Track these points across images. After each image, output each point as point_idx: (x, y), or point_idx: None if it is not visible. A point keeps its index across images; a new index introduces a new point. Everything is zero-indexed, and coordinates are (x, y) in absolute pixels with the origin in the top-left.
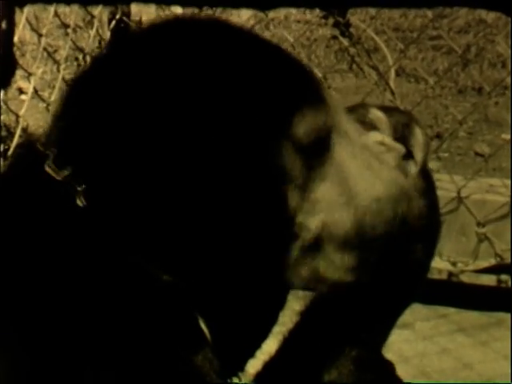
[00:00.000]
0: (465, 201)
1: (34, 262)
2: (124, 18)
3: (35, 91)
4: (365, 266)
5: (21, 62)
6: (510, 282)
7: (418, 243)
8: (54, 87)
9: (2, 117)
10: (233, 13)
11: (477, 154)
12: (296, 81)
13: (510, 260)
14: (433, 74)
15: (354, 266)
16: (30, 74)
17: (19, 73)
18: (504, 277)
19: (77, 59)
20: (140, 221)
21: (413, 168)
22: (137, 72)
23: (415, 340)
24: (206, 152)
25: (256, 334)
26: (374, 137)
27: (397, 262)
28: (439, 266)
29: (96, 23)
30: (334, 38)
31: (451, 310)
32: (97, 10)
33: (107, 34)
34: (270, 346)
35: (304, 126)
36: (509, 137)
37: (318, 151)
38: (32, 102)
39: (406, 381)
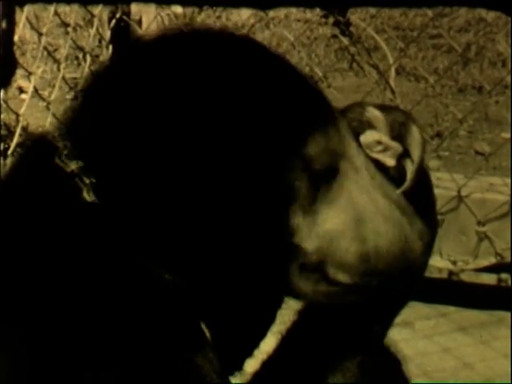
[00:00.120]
0: (465, 200)
1: (35, 260)
2: (124, 17)
3: (35, 90)
4: (365, 289)
5: (21, 61)
6: (510, 281)
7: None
8: (54, 86)
9: (2, 116)
10: (233, 12)
11: (477, 152)
12: (310, 103)
13: (510, 259)
14: (433, 73)
15: (355, 288)
16: (30, 73)
17: (19, 72)
18: (504, 276)
19: (77, 58)
20: (147, 220)
21: (410, 166)
22: (152, 84)
23: (415, 339)
24: (217, 162)
25: (254, 334)
26: (371, 135)
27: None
28: (439, 264)
29: (96, 22)
30: (334, 36)
31: (451, 309)
32: (97, 9)
33: (107, 33)
34: (268, 346)
35: (315, 149)
36: (509, 135)
37: (326, 176)
38: (32, 101)
39: None
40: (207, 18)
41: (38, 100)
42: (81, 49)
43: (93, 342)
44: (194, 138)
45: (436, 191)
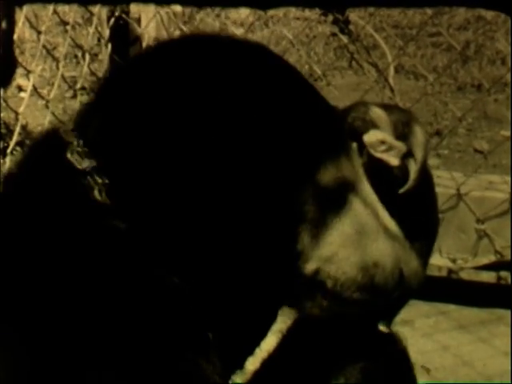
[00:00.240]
0: (464, 197)
1: (41, 258)
2: (123, 16)
3: (34, 89)
4: (363, 304)
5: (20, 59)
6: (509, 279)
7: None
8: (53, 85)
9: (2, 114)
10: (232, 10)
11: (476, 150)
12: (327, 128)
13: (509, 257)
14: (432, 71)
15: (352, 304)
16: (29, 72)
17: (18, 70)
18: (504, 273)
19: (76, 57)
20: (159, 225)
21: (413, 166)
22: (167, 90)
23: (415, 337)
24: (232, 178)
25: (255, 332)
26: (375, 135)
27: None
28: (439, 262)
29: (95, 21)
30: (334, 35)
31: (451, 307)
32: (96, 8)
33: (106, 32)
34: (268, 344)
35: (327, 177)
36: (508, 133)
37: (334, 203)
38: (31, 100)
39: None
40: (206, 16)
41: (37, 98)
42: (80, 47)
43: (98, 342)
44: (209, 151)
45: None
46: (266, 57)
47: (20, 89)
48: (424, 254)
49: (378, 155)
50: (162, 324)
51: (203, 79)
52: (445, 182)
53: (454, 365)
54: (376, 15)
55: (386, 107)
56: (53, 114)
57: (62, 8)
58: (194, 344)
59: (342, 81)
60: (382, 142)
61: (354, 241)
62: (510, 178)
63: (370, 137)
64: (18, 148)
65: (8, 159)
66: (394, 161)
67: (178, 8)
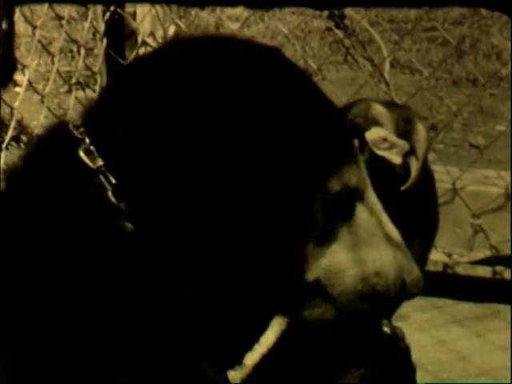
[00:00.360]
0: (460, 192)
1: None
2: (118, 10)
3: (29, 83)
4: (363, 312)
5: (15, 54)
6: (504, 274)
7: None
8: (48, 79)
9: None
10: None
11: (472, 145)
12: (338, 137)
13: (505, 251)
14: (427, 66)
15: (353, 312)
16: (24, 67)
17: None
18: (499, 268)
19: (71, 51)
20: (171, 230)
21: (414, 163)
22: (180, 91)
23: (410, 332)
24: (244, 184)
25: (254, 328)
26: (377, 132)
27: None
28: (434, 257)
29: (90, 15)
30: (329, 29)
31: (447, 302)
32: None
33: (101, 26)
34: (268, 340)
35: (337, 186)
36: (504, 128)
37: (343, 211)
38: (26, 95)
39: None
40: (201, 10)
41: (32, 93)
42: (75, 42)
43: (102, 343)
44: (221, 157)
45: None
46: (278, 62)
47: (15, 83)
48: (424, 251)
49: (381, 153)
50: (167, 326)
51: (216, 83)
52: (440, 177)
53: (449, 359)
54: (371, 10)
55: (387, 104)
56: (48, 108)
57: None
58: (197, 345)
59: (338, 75)
60: (384, 140)
61: (357, 250)
62: (505, 173)
63: (372, 134)
64: (13, 143)
65: (3, 154)
66: (396, 159)
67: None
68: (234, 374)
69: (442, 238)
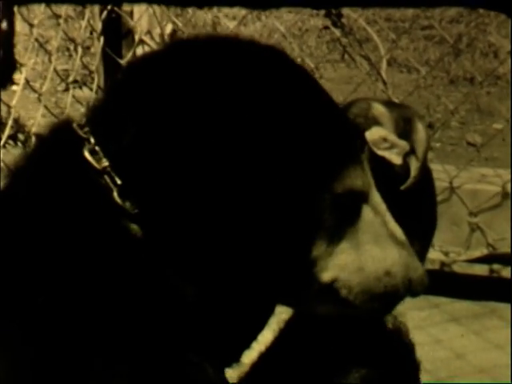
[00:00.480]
0: (457, 191)
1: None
2: (115, 9)
3: (27, 82)
4: (372, 311)
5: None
6: (502, 272)
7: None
8: (45, 78)
9: None
10: None
11: (469, 143)
12: (344, 139)
13: (502, 250)
14: (424, 64)
15: (362, 311)
16: (21, 65)
17: None
18: (496, 266)
19: (68, 50)
20: (173, 228)
21: (414, 163)
22: (188, 93)
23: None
24: (251, 186)
25: (253, 326)
26: (378, 132)
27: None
28: (431, 256)
29: (87, 14)
30: (326, 28)
31: (444, 300)
32: None
33: (99, 25)
34: (265, 337)
35: (343, 187)
36: (501, 126)
37: (350, 212)
38: (23, 93)
39: None
40: (198, 8)
41: (29, 92)
42: (72, 40)
43: (105, 343)
44: (230, 160)
45: None
46: (284, 63)
47: (12, 82)
48: (422, 250)
49: (381, 153)
50: (169, 327)
51: (222, 84)
52: (438, 175)
53: (446, 358)
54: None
55: (387, 103)
56: (45, 107)
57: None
58: (198, 345)
59: (335, 74)
60: (385, 140)
61: (366, 251)
62: (502, 171)
63: (373, 134)
64: (10, 141)
65: (0, 152)
66: (396, 159)
67: None
68: (232, 372)
69: (439, 237)
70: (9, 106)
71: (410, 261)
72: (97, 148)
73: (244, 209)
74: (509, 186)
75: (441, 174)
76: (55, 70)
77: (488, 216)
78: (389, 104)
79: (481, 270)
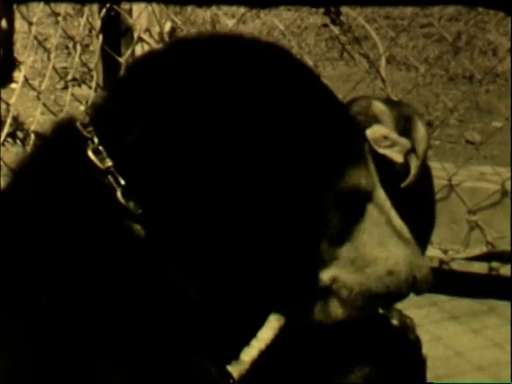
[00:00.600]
0: (456, 188)
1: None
2: (114, 7)
3: (26, 80)
4: (368, 310)
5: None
6: (501, 270)
7: None
8: (44, 76)
9: None
10: None
11: (468, 141)
12: (349, 137)
13: (501, 247)
14: (423, 62)
15: (364, 311)
16: (20, 63)
17: None
18: (495, 264)
19: (67, 48)
20: (176, 229)
21: (414, 161)
22: (191, 92)
23: None
24: (255, 184)
25: (252, 323)
26: (378, 130)
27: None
28: (430, 253)
29: (86, 12)
30: (325, 26)
31: (442, 298)
32: None
33: (97, 23)
34: (265, 334)
35: (348, 186)
36: (500, 124)
37: (354, 211)
38: (22, 91)
39: None
40: (197, 6)
41: (28, 89)
42: (71, 38)
43: (107, 344)
44: (234, 160)
45: None
46: (289, 62)
47: (11, 80)
48: (421, 248)
49: (382, 151)
50: (172, 327)
51: (227, 83)
52: (436, 173)
53: (445, 356)
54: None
55: (387, 101)
56: (44, 105)
57: None
58: (200, 344)
59: (334, 72)
60: (385, 138)
61: (370, 250)
62: (501, 169)
63: (374, 132)
64: (9, 139)
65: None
66: (398, 157)
67: None
68: (231, 370)
69: (438, 235)
70: (8, 104)
71: (415, 259)
72: (100, 148)
73: (248, 209)
74: (508, 183)
75: (440, 171)
76: (54, 68)
77: (487, 214)
78: (389, 102)
79: (480, 267)
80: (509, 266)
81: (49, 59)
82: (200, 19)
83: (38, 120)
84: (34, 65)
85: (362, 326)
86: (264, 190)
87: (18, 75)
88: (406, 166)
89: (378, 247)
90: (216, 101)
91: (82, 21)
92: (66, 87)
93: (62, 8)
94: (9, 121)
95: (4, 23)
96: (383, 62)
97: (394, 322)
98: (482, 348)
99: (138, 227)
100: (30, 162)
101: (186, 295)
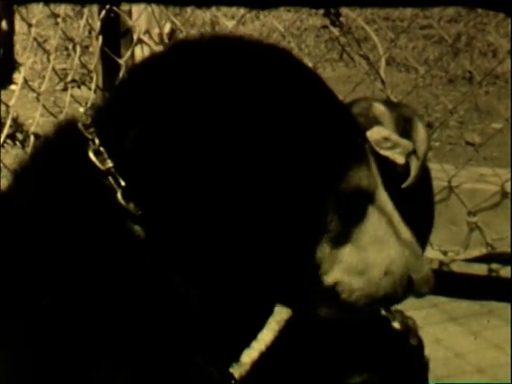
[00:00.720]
0: (455, 190)
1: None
2: (114, 8)
3: (25, 81)
4: (369, 313)
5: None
6: (500, 271)
7: None
8: (44, 77)
9: None
10: None
11: (467, 143)
12: (349, 138)
13: (500, 249)
14: (423, 64)
15: (362, 314)
16: (19, 64)
17: None
18: (495, 266)
19: (67, 49)
20: (177, 230)
21: (414, 162)
22: (193, 95)
23: None
24: (254, 186)
25: (253, 326)
26: (379, 132)
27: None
28: (430, 255)
29: (86, 13)
30: (325, 27)
31: (442, 300)
32: None
33: (97, 24)
34: (266, 336)
35: (348, 188)
36: (499, 126)
37: (355, 213)
38: (22, 92)
39: None
40: (197, 7)
41: (27, 91)
42: (71, 40)
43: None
44: (234, 162)
45: None
46: (290, 63)
47: (11, 81)
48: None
49: (384, 153)
50: (174, 329)
51: (228, 85)
52: (436, 175)
53: (445, 357)
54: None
55: (388, 103)
56: (44, 106)
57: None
58: (202, 347)
59: (333, 73)
60: (386, 139)
61: (370, 253)
62: (501, 171)
63: (374, 134)
64: (8, 141)
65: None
66: (400, 159)
67: None
68: (232, 371)
69: (437, 236)
70: (7, 106)
71: (413, 260)
72: (101, 149)
73: (248, 211)
74: (508, 185)
75: (439, 173)
76: (54, 70)
77: (487, 215)
78: (388, 103)
79: (480, 269)
80: (509, 268)
81: (48, 61)
82: (200, 20)
83: (37, 121)
84: (33, 66)
85: (363, 328)
86: (265, 190)
87: (18, 77)
88: (406, 167)
89: (378, 250)
90: (216, 103)
91: (82, 22)
92: (65, 89)
93: (61, 9)
94: (8, 122)
95: (4, 24)
96: (383, 63)
97: (396, 324)
98: (481, 349)
99: (138, 229)
100: (31, 163)
101: (187, 297)
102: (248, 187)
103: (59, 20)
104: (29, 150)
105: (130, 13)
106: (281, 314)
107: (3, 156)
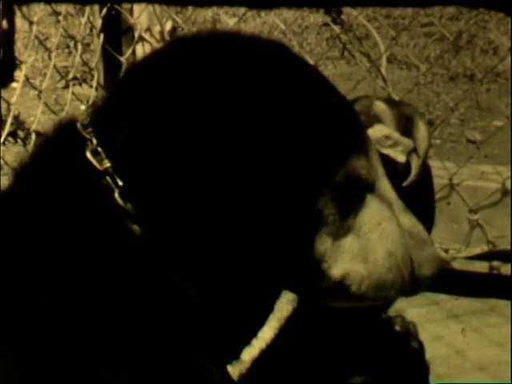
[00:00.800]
0: (457, 188)
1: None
2: (115, 6)
3: (26, 79)
4: (378, 301)
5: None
6: (501, 269)
7: None
8: (45, 75)
9: None
10: None
11: (468, 140)
12: (345, 128)
13: (502, 247)
14: (424, 61)
15: (368, 304)
16: (21, 62)
17: None
18: (496, 263)
19: (68, 47)
20: (175, 229)
21: (415, 160)
22: (190, 91)
23: None
24: (250, 182)
25: (253, 323)
26: (380, 130)
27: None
28: None
29: (87, 11)
30: (326, 25)
31: (443, 297)
32: None
33: (98, 22)
34: (266, 334)
35: (345, 179)
36: (500, 123)
37: (354, 203)
38: (23, 90)
39: None
40: (197, 7)
41: (29, 89)
42: (72, 37)
43: (108, 345)
44: (229, 157)
45: None
46: (285, 55)
47: (12, 79)
48: None
49: (385, 151)
50: (174, 328)
51: (225, 82)
52: (437, 172)
53: (446, 355)
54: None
55: (389, 101)
56: (45, 104)
57: None
58: (201, 345)
59: (335, 71)
60: (387, 137)
61: (373, 242)
62: (502, 168)
63: (375, 132)
64: (10, 138)
65: (0, 149)
66: (401, 157)
67: None
68: (232, 369)
69: (438, 234)
70: (9, 103)
71: (414, 241)
72: (99, 149)
73: (245, 207)
74: (509, 182)
75: (440, 171)
76: (55, 67)
77: (488, 213)
78: (390, 101)
79: (481, 267)
80: (509, 265)
81: (50, 58)
82: (201, 18)
83: (38, 119)
84: (34, 64)
85: (364, 329)
86: (262, 184)
87: (19, 74)
88: (406, 165)
89: (378, 234)
90: (215, 100)
91: (83, 20)
92: (66, 86)
93: (62, 7)
94: (10, 120)
95: (5, 23)
96: (384, 61)
97: (397, 327)
98: (482, 347)
99: (136, 228)
100: (30, 163)
101: (186, 296)
102: (245, 182)
103: (60, 18)
104: (30, 147)
105: (131, 10)
106: (281, 312)
107: (4, 153)
